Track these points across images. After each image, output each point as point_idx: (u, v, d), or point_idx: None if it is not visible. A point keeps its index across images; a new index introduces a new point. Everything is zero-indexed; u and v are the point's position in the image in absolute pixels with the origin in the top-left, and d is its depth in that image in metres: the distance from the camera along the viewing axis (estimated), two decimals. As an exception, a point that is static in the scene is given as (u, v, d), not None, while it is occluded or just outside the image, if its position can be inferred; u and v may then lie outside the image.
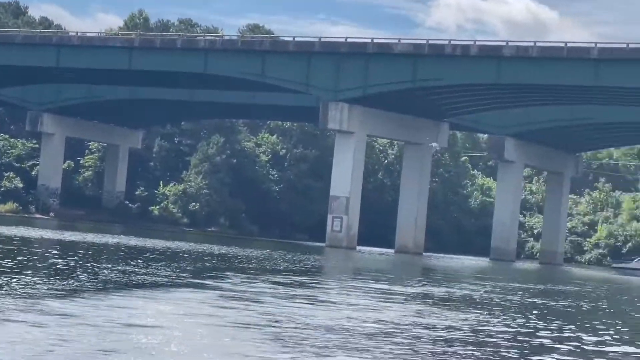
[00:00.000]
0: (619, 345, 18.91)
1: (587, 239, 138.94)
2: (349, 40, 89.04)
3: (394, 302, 26.22)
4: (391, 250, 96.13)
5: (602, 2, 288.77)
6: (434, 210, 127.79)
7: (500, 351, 16.30)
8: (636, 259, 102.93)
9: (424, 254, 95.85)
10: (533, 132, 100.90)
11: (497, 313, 25.38)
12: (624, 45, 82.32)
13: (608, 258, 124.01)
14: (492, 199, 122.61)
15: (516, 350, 16.64)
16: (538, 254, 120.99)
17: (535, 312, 27.10)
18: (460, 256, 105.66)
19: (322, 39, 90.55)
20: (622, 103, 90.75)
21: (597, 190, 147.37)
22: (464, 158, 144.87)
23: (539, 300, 33.09)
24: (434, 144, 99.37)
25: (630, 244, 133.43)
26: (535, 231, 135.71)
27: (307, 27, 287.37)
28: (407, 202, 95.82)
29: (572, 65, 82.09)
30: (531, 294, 37.66)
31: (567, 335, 20.44)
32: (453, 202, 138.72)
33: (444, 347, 16.40)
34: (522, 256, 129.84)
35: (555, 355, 16.24)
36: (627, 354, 17.58)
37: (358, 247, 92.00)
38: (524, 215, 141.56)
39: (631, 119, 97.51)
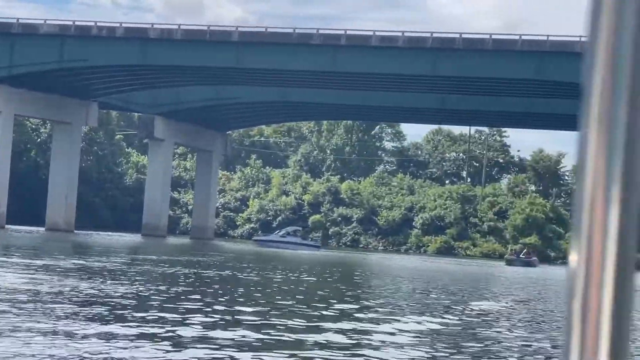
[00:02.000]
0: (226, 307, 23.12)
1: (240, 214, 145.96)
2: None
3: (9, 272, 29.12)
4: (42, 229, 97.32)
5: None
6: (88, 188, 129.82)
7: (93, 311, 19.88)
8: (277, 232, 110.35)
9: (75, 231, 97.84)
10: (183, 112, 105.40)
11: (111, 281, 28.96)
12: (263, 29, 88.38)
13: (259, 232, 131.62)
14: (146, 177, 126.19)
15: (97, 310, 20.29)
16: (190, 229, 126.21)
17: (146, 277, 31.01)
18: (114, 233, 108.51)
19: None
20: (264, 84, 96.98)
21: (249, 167, 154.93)
22: (118, 136, 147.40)
23: (156, 268, 37.13)
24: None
25: (280, 217, 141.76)
26: (190, 207, 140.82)
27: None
28: (57, 180, 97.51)
29: (215, 48, 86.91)
30: (154, 262, 41.67)
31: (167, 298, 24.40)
32: (108, 179, 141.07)
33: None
34: (176, 232, 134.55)
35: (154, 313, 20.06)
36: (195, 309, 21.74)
37: (7, 226, 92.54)
38: (179, 192, 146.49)
39: (275, 98, 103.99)
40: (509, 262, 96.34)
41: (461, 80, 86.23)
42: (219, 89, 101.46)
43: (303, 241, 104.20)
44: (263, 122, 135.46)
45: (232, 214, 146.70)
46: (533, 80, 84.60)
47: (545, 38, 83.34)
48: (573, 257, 1.26)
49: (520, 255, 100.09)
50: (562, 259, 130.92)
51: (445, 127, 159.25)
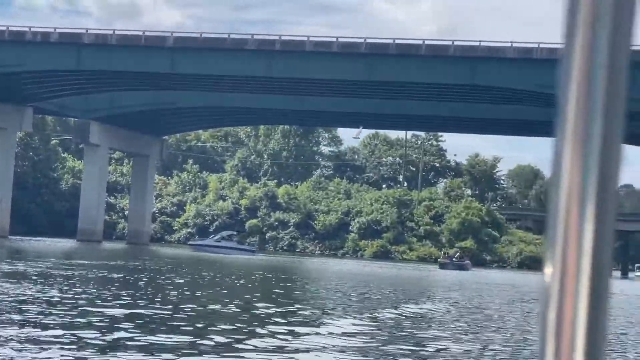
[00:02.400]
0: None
1: (177, 219, 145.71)
2: None
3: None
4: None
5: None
6: (23, 193, 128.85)
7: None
8: (212, 237, 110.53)
9: (9, 237, 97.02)
10: (119, 117, 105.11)
11: (39, 285, 29.05)
12: (198, 35, 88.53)
13: (195, 237, 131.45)
14: (81, 182, 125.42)
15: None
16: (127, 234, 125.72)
17: (74, 282, 31.14)
18: (49, 238, 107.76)
19: None
20: (200, 89, 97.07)
21: (186, 172, 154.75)
22: (54, 141, 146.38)
23: (76, 272, 37.22)
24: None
25: (217, 222, 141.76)
26: (126, 212, 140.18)
27: None
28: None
29: (150, 53, 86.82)
30: (86, 267, 41.73)
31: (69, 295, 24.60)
32: (44, 184, 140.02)
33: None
34: (113, 237, 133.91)
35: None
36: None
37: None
38: (115, 197, 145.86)
39: (212, 103, 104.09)
40: (442, 266, 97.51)
41: (396, 85, 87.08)
42: (155, 94, 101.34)
43: (238, 246, 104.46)
44: (200, 127, 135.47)
45: (169, 218, 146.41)
46: (467, 86, 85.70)
47: (477, 44, 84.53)
48: (548, 269, 1.23)
49: (453, 259, 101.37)
50: (498, 263, 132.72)
51: (382, 131, 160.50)
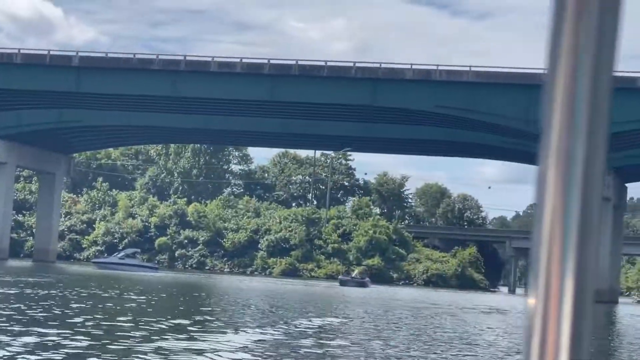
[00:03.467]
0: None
1: (86, 237, 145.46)
2: None
3: None
4: None
5: (107, 2, 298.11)
6: None
7: None
8: (116, 254, 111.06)
9: None
10: (26, 134, 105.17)
11: None
12: (104, 54, 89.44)
13: (105, 255, 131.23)
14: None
15: None
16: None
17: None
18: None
19: None
20: (106, 108, 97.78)
21: (95, 190, 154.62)
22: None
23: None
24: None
25: (126, 240, 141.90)
26: (34, 230, 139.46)
27: None
28: None
29: (55, 72, 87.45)
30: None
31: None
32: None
33: None
34: (21, 255, 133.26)
35: None
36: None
37: None
38: (24, 215, 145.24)
39: (119, 122, 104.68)
40: (343, 283, 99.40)
41: (300, 105, 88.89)
42: (62, 111, 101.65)
43: (141, 263, 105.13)
44: (108, 145, 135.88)
45: (78, 236, 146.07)
46: (368, 106, 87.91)
47: (378, 65, 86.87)
48: (532, 294, 1.21)
49: (353, 276, 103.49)
50: (404, 280, 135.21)
51: (291, 150, 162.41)
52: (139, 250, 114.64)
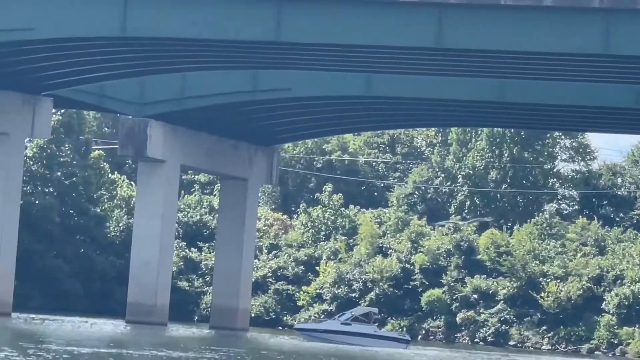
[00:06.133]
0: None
1: (303, 288, 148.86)
2: None
3: None
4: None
5: None
6: (43, 240, 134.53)
7: None
8: (338, 316, 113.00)
9: (13, 314, 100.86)
10: (194, 113, 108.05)
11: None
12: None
13: (322, 317, 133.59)
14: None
15: None
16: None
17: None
18: (81, 318, 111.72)
19: None
20: (326, 66, 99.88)
21: (320, 205, 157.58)
22: (96, 153, 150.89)
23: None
24: None
25: (373, 292, 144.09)
26: (212, 276, 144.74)
27: None
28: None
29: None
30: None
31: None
32: (78, 226, 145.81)
33: None
34: (194, 317, 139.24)
35: None
36: None
37: None
38: (199, 250, 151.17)
39: (359, 91, 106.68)
40: None
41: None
42: (255, 74, 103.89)
43: (380, 332, 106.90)
44: (337, 130, 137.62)
45: (289, 287, 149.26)
46: None
47: None
48: None
49: None
50: None
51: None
52: (375, 310, 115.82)
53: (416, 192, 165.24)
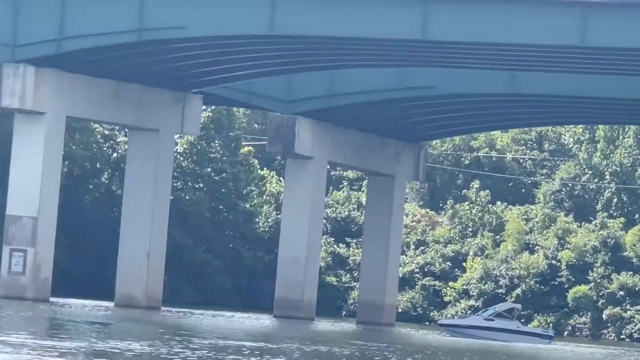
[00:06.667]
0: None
1: (450, 284, 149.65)
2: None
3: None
4: (112, 304, 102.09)
5: None
6: (192, 236, 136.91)
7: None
8: (481, 312, 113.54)
9: (163, 308, 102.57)
10: (342, 110, 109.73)
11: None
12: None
13: (468, 312, 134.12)
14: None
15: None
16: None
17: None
18: (231, 313, 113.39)
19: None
20: (471, 64, 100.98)
21: (468, 202, 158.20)
22: (246, 149, 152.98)
23: None
24: None
25: (519, 288, 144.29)
26: (360, 272, 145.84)
27: None
28: (131, 226, 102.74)
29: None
30: None
31: None
32: (228, 221, 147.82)
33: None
34: (342, 312, 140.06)
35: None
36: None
37: (56, 299, 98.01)
38: (347, 246, 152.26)
39: (502, 89, 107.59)
40: None
41: None
42: (401, 72, 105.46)
43: (522, 328, 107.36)
44: (486, 128, 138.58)
45: (436, 283, 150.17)
46: None
47: None
48: None
49: None
50: None
51: None
52: (518, 306, 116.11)
53: (563, 189, 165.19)
